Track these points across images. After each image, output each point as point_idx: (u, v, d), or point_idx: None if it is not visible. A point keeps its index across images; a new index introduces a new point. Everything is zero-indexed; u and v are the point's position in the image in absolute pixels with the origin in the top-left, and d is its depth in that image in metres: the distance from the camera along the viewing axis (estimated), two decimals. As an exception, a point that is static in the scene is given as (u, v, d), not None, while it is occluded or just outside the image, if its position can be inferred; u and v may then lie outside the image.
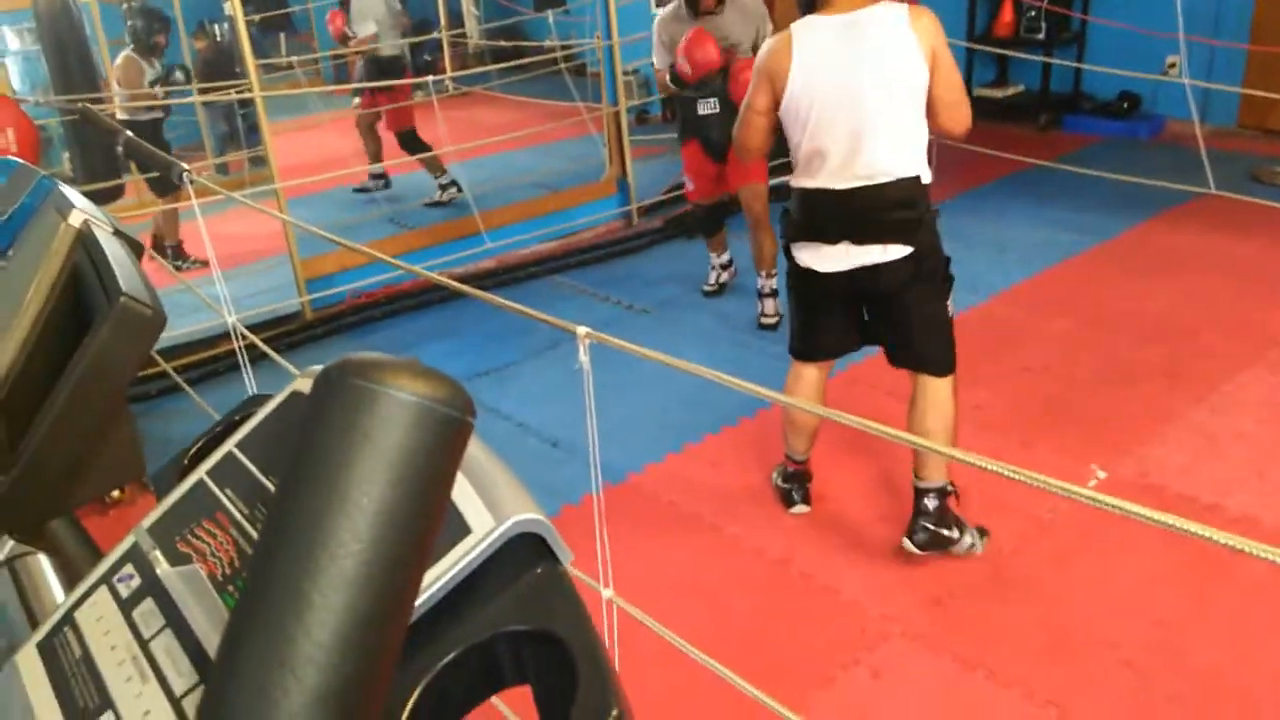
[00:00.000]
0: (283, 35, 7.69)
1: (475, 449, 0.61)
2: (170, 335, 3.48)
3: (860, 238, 2.43)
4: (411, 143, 5.91)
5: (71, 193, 1.16)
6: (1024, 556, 2.64)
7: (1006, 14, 6.68)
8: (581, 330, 1.67)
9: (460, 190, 5.64)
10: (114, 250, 1.08)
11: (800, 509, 2.89)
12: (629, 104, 5.51)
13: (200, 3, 7.24)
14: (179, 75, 5.30)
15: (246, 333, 2.83)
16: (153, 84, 5.08)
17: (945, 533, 2.58)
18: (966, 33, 6.81)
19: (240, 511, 0.64)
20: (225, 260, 3.11)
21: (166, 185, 4.95)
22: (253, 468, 0.66)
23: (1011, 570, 2.60)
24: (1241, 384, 3.36)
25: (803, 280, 2.60)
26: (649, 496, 3.04)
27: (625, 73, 5.62)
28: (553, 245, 5.27)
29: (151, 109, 5.14)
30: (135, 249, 1.15)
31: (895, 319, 2.56)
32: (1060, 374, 3.54)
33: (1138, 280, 4.25)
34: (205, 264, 4.66)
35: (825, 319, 2.65)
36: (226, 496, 0.65)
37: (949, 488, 2.59)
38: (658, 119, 7.76)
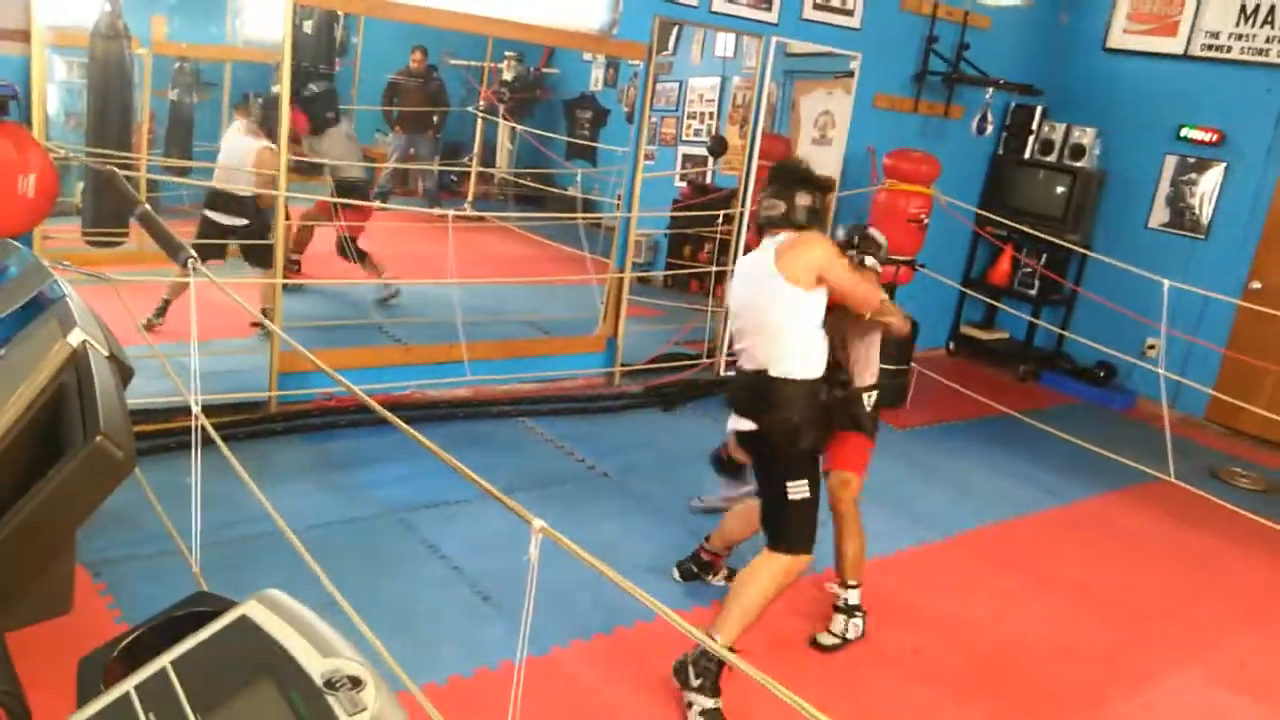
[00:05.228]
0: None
1: None
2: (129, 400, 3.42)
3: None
4: (352, 247, 6.01)
5: (79, 306, 1.16)
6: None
7: (1004, 264, 7.00)
8: (537, 524, 1.66)
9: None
10: (103, 378, 1.07)
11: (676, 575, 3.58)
12: (634, 261, 5.66)
13: (257, 78, 7.40)
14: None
15: (207, 425, 2.78)
16: None
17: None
18: (963, 274, 7.12)
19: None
20: (205, 330, 3.06)
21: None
22: (182, 698, 0.64)
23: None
24: (1177, 688, 3.35)
25: None
26: (567, 678, 2.94)
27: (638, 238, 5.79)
28: (531, 388, 5.30)
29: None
30: (126, 375, 1.15)
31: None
32: (1003, 635, 3.53)
33: (1091, 554, 4.29)
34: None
35: None
36: (149, 720, 0.63)
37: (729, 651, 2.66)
38: (660, 281, 7.93)
